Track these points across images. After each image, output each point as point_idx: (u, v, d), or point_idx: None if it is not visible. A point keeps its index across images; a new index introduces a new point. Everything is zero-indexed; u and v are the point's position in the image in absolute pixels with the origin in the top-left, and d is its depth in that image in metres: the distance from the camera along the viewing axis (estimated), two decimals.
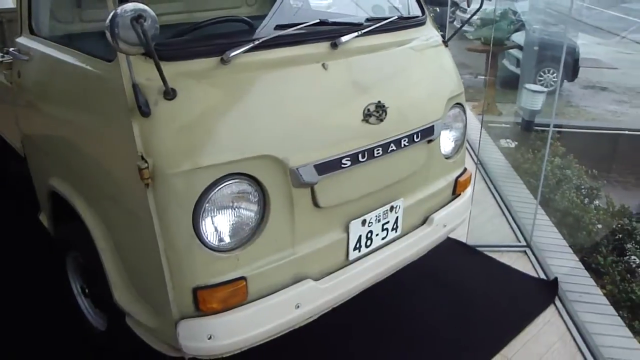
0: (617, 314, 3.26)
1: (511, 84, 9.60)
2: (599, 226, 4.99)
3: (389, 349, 2.79)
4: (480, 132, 4.54)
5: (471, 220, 3.70)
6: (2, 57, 2.82)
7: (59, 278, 2.88)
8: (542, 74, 10.01)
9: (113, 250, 2.22)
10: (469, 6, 2.87)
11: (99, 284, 2.42)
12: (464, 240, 3.74)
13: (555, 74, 10.07)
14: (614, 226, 5.02)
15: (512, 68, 10.29)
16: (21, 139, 2.88)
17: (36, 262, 3.46)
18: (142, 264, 2.06)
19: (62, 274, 2.85)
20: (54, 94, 2.38)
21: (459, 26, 2.65)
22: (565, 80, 11.02)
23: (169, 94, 1.80)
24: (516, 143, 6.73)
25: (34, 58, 2.54)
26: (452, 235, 3.48)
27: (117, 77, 1.86)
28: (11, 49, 2.68)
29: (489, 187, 4.70)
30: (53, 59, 2.38)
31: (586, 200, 5.28)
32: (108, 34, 1.64)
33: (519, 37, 9.62)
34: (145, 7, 1.62)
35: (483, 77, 8.97)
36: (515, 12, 9.88)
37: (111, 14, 1.61)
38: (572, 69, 10.57)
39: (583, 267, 3.68)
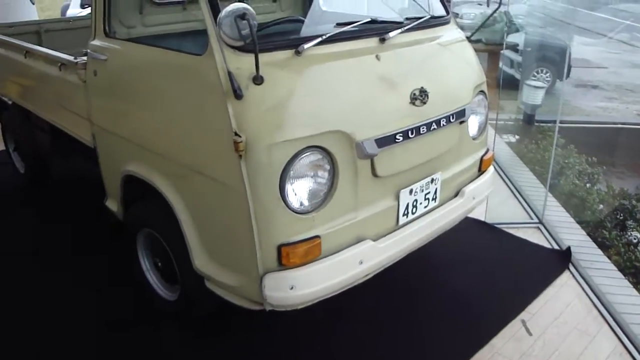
0: (624, 278, 3.63)
1: (507, 85, 10.04)
2: (601, 206, 5.40)
3: (422, 313, 3.15)
4: (495, 129, 4.92)
5: (488, 201, 4.08)
6: (76, 59, 3.16)
7: (125, 260, 3.23)
8: (536, 73, 10.45)
9: (194, 221, 2.55)
10: (488, 6, 3.27)
11: (175, 254, 2.78)
12: (483, 219, 4.11)
13: (548, 74, 10.51)
14: (616, 205, 5.42)
15: (506, 69, 10.71)
16: (92, 132, 3.21)
17: (100, 248, 3.81)
18: (227, 229, 2.40)
19: (132, 255, 3.18)
20: (140, 87, 2.72)
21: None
22: (558, 80, 11.44)
23: (259, 79, 2.16)
24: (518, 137, 7.14)
25: (113, 57, 2.88)
26: (472, 215, 3.88)
27: (211, 67, 2.22)
28: (89, 50, 3.01)
29: (499, 174, 5.09)
30: (140, 57, 2.74)
31: (588, 185, 5.69)
32: (216, 30, 2.00)
33: (515, 39, 10.03)
34: (247, 6, 1.99)
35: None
36: (509, 16, 10.29)
37: (221, 14, 1.97)
38: (565, 69, 10.99)
39: (591, 240, 4.05)
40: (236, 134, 2.14)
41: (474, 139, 3.11)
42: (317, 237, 2.31)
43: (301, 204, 2.29)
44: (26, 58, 3.85)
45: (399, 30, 2.66)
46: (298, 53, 2.31)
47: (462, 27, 3.34)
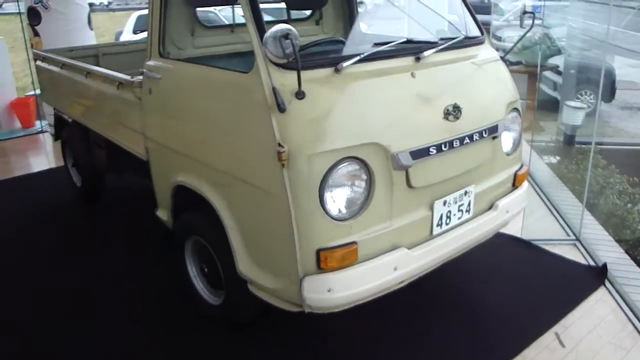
0: None
1: (549, 107, 10.02)
2: None
3: (456, 325, 3.23)
4: (531, 148, 5.00)
5: (524, 219, 4.16)
6: (132, 78, 3.41)
7: (174, 268, 3.43)
8: (579, 95, 10.39)
9: (239, 228, 2.73)
10: (521, 26, 3.39)
11: (220, 260, 2.96)
12: (519, 235, 4.18)
13: (592, 96, 10.44)
14: None
15: (550, 91, 10.69)
16: (145, 146, 3.45)
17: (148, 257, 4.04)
18: (269, 234, 2.57)
19: (180, 262, 3.38)
20: (191, 102, 2.93)
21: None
22: (602, 102, 11.32)
23: (301, 95, 2.34)
24: (558, 157, 7.15)
25: (167, 75, 3.12)
26: (508, 231, 3.97)
27: (257, 84, 2.41)
28: (144, 70, 3.26)
29: (537, 193, 5.14)
30: (191, 75, 2.97)
31: (629, 205, 5.67)
32: (262, 49, 2.21)
33: (556, 61, 10.03)
34: (290, 26, 2.18)
35: (524, 100, 9.40)
36: (551, 38, 10.32)
37: (266, 34, 2.17)
38: (609, 91, 10.89)
39: (629, 258, 4.07)
40: (279, 145, 2.32)
41: (507, 154, 3.21)
42: (354, 243, 2.45)
43: (339, 211, 2.44)
44: (87, 78, 4.14)
45: (433, 50, 2.82)
46: (337, 71, 2.49)
47: (504, 50, 3.46)
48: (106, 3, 36.60)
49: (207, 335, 3.19)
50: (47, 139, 7.57)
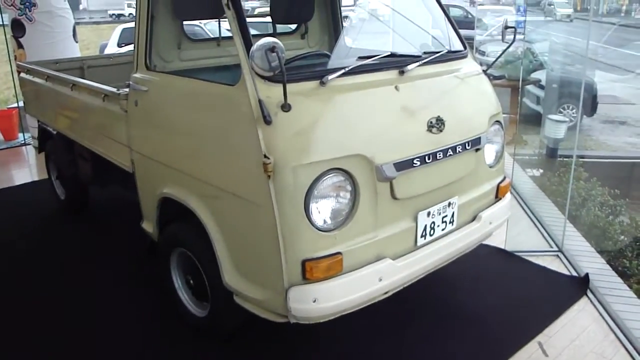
0: None
1: (532, 120, 10.16)
2: (623, 237, 5.45)
3: (440, 335, 3.26)
4: (513, 161, 5.06)
5: (508, 230, 4.21)
6: (118, 90, 3.42)
7: (158, 281, 3.43)
8: (561, 109, 10.55)
9: (224, 239, 2.74)
10: (503, 40, 3.44)
11: (206, 271, 2.97)
12: (502, 247, 4.22)
13: (574, 110, 10.60)
14: (638, 235, 5.46)
15: (533, 106, 10.84)
16: (131, 158, 3.45)
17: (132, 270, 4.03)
18: (255, 245, 2.58)
19: (165, 274, 3.38)
20: (177, 115, 2.95)
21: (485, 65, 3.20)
22: (584, 116, 11.49)
23: (286, 107, 2.36)
24: (541, 170, 7.25)
25: (153, 88, 3.13)
26: (492, 243, 4.02)
27: (243, 96, 2.44)
28: (131, 82, 3.27)
29: (520, 205, 5.20)
30: (178, 87, 2.99)
31: (610, 217, 5.75)
32: (249, 62, 2.23)
33: (538, 76, 10.18)
34: (277, 40, 2.21)
35: (507, 114, 9.55)
36: (533, 53, 10.48)
37: (253, 47, 2.20)
38: (591, 105, 11.06)
39: (610, 268, 4.13)
40: (265, 156, 2.34)
41: (490, 166, 3.26)
42: (339, 253, 2.47)
43: (324, 222, 2.46)
44: (72, 91, 4.14)
45: (417, 64, 2.86)
46: (323, 84, 2.52)
47: (487, 64, 3.52)
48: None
49: (191, 347, 3.18)
50: (30, 152, 7.52)
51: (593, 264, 4.12)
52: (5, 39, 7.41)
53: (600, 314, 3.43)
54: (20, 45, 6.80)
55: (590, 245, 4.52)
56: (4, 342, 3.31)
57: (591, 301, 3.57)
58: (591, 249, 4.46)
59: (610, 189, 6.39)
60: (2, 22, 7.48)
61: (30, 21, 6.68)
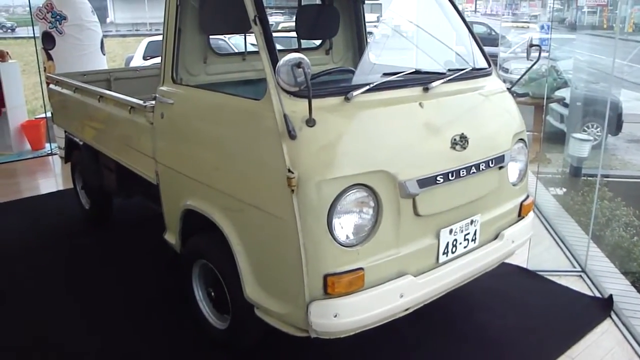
0: None
1: (556, 139, 10.08)
2: None
3: (464, 353, 3.24)
4: (536, 179, 5.02)
5: (530, 249, 4.17)
6: (145, 102, 3.47)
7: (180, 293, 3.45)
8: (586, 128, 10.45)
9: (247, 252, 2.76)
10: (528, 59, 3.44)
11: (227, 284, 2.98)
12: (525, 266, 4.18)
13: (599, 128, 10.49)
14: None
15: (557, 124, 10.75)
16: (156, 170, 3.49)
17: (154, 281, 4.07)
18: (277, 259, 2.59)
19: (187, 285, 3.40)
20: (203, 128, 2.99)
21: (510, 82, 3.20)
22: (609, 135, 11.35)
23: (311, 122, 2.39)
24: (565, 189, 7.17)
25: (179, 101, 3.18)
26: (514, 262, 3.98)
27: (269, 110, 2.47)
28: (157, 95, 3.32)
29: (543, 224, 5.15)
30: (203, 101, 3.04)
31: (635, 238, 5.66)
32: (274, 77, 2.26)
33: (562, 94, 10.12)
34: (302, 56, 2.24)
35: (531, 132, 9.50)
36: (557, 71, 10.42)
37: (279, 62, 2.23)
38: (616, 123, 10.94)
39: (635, 290, 4.06)
40: (289, 171, 2.36)
41: (514, 185, 3.24)
42: (361, 269, 2.47)
43: (347, 237, 2.47)
44: (99, 102, 4.21)
45: (441, 81, 2.87)
46: (347, 99, 2.54)
47: (511, 82, 3.51)
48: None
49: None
50: (56, 162, 7.66)
51: (617, 285, 4.06)
52: (36, 50, 7.57)
53: (625, 337, 3.37)
54: (49, 57, 6.95)
55: (614, 266, 4.45)
56: (22, 351, 3.35)
57: (615, 323, 3.51)
58: (615, 269, 4.40)
59: (635, 209, 6.29)
60: (34, 34, 7.65)
61: (61, 34, 6.83)
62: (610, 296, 3.71)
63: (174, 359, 3.24)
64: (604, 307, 3.68)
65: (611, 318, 3.57)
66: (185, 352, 3.28)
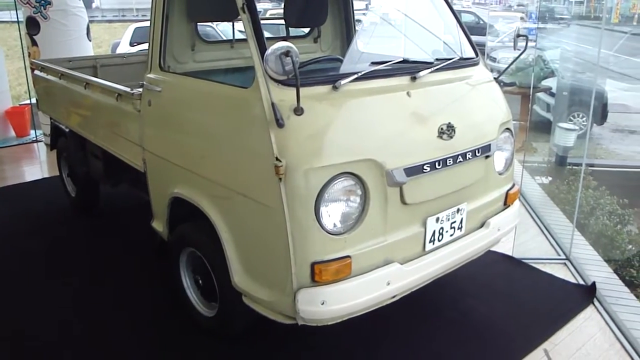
0: None
1: (542, 128, 10.15)
2: (630, 246, 5.46)
3: (451, 338, 3.28)
4: (522, 168, 5.06)
5: (516, 238, 4.22)
6: (132, 90, 3.45)
7: (168, 279, 3.46)
8: (572, 117, 10.53)
9: (234, 240, 2.76)
10: (515, 49, 3.46)
11: (215, 272, 2.99)
12: (510, 254, 4.23)
13: (584, 118, 10.58)
14: None
15: (543, 113, 10.82)
16: (143, 158, 3.48)
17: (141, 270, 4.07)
18: (265, 247, 2.60)
19: (174, 273, 3.40)
20: (190, 116, 2.98)
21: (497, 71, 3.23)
22: (594, 124, 11.45)
23: (299, 110, 2.39)
24: (550, 178, 7.25)
25: (167, 89, 3.16)
26: (500, 250, 4.03)
27: (257, 99, 2.46)
28: (144, 82, 3.30)
29: (529, 213, 5.21)
30: (191, 89, 3.02)
31: (619, 226, 5.75)
32: (262, 65, 2.26)
33: (549, 83, 10.18)
34: (291, 44, 2.24)
35: (517, 121, 9.55)
36: (544, 60, 10.47)
37: (267, 51, 2.23)
38: (601, 114, 11.02)
39: (617, 277, 4.13)
40: (277, 159, 2.36)
41: (500, 173, 3.27)
42: (348, 257, 2.49)
43: (334, 225, 2.48)
44: (86, 89, 4.18)
45: (429, 70, 2.88)
46: (335, 88, 2.54)
47: (498, 71, 3.53)
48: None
49: (198, 347, 3.21)
50: (41, 148, 7.59)
51: (600, 273, 4.12)
52: (20, 36, 7.48)
53: (607, 323, 3.43)
54: (34, 43, 6.88)
55: (598, 254, 4.52)
56: (9, 339, 3.34)
57: (597, 310, 3.57)
58: (599, 257, 4.47)
59: (619, 198, 6.38)
60: (18, 19, 7.55)
61: (45, 19, 6.75)
62: (594, 283, 3.77)
63: (161, 346, 3.25)
64: (587, 294, 3.73)
65: (594, 305, 3.63)
66: (172, 339, 3.29)
